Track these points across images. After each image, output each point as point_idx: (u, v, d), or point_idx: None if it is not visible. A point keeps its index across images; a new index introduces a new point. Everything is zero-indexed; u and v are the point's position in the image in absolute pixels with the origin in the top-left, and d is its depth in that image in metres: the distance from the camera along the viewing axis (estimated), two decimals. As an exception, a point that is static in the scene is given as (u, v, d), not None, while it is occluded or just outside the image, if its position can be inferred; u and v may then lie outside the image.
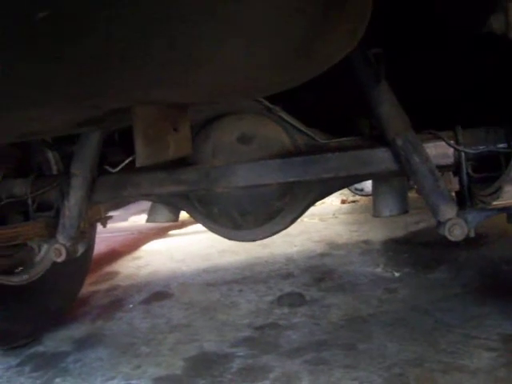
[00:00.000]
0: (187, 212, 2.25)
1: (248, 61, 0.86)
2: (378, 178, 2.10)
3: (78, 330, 2.84)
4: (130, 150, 1.57)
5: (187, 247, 4.54)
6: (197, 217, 2.22)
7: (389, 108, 1.79)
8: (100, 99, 0.87)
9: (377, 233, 4.19)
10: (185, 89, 0.94)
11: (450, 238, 1.77)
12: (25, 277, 2.62)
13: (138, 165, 1.04)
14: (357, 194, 5.38)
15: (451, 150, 1.85)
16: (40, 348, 2.68)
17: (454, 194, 1.90)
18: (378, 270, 3.25)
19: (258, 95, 1.73)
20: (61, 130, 1.36)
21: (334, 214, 5.23)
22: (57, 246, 2.14)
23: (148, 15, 0.62)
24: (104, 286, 3.63)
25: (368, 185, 4.64)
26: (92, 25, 0.58)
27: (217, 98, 1.21)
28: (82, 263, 3.00)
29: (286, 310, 2.78)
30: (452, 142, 1.84)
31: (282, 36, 0.79)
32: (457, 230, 1.76)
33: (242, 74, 0.92)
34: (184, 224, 5.13)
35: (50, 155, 2.62)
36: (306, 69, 1.04)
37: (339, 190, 2.20)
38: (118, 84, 0.83)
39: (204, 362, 2.30)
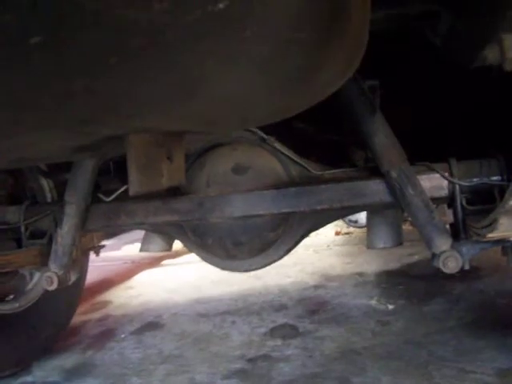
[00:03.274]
0: (181, 241, 2.24)
1: (243, 90, 0.86)
2: (372, 210, 2.09)
3: (68, 360, 2.81)
4: (124, 179, 1.57)
5: (180, 277, 4.52)
6: (190, 246, 2.21)
7: (383, 139, 1.80)
8: (94, 126, 0.87)
9: (371, 265, 4.17)
10: (180, 118, 0.94)
11: (444, 270, 1.76)
12: (16, 305, 2.59)
13: (131, 193, 1.03)
14: (351, 225, 5.39)
15: (445, 183, 1.85)
16: (29, 378, 2.64)
17: (448, 226, 1.90)
18: (372, 302, 3.23)
19: (254, 124, 1.74)
20: (55, 156, 1.36)
21: (328, 246, 5.22)
22: (49, 274, 2.12)
23: (141, 45, 0.62)
24: (95, 315, 3.59)
25: (362, 216, 4.65)
26: (85, 51, 0.58)
27: (212, 127, 1.21)
28: (74, 292, 2.97)
29: (278, 341, 2.75)
30: (446, 174, 1.84)
31: (278, 66, 0.80)
32: (451, 263, 1.75)
33: (237, 103, 0.92)
34: (177, 254, 5.11)
35: (44, 182, 2.61)
36: (303, 98, 1.04)
37: (333, 221, 2.20)
38: (114, 112, 0.82)
39: (195, 394, 2.27)
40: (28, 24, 0.50)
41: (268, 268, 2.24)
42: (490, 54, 1.17)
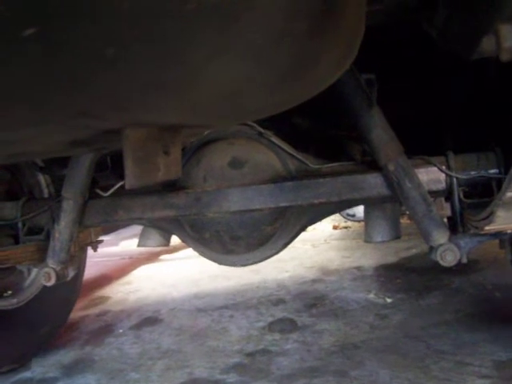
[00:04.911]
0: (178, 236, 2.24)
1: (239, 82, 0.86)
2: (369, 204, 2.09)
3: (66, 356, 2.81)
4: (121, 175, 1.56)
5: (178, 272, 4.52)
6: (188, 241, 2.21)
7: (381, 133, 1.79)
8: (91, 120, 0.87)
9: (369, 258, 4.18)
10: (176, 111, 0.93)
11: (442, 263, 1.76)
12: (14, 301, 2.59)
13: (127, 187, 1.03)
14: (348, 219, 5.38)
15: (443, 176, 1.85)
16: (27, 374, 2.64)
17: (445, 219, 1.90)
18: (370, 295, 3.23)
19: (251, 118, 1.73)
20: (51, 151, 1.35)
21: (325, 240, 5.23)
22: (46, 269, 2.12)
23: (138, 36, 0.62)
24: (94, 310, 3.60)
25: (360, 210, 4.64)
26: (80, 43, 0.57)
27: (208, 121, 1.21)
28: (72, 287, 2.97)
29: (277, 336, 2.75)
30: (444, 167, 1.84)
31: (273, 57, 0.79)
32: (449, 256, 1.75)
33: (233, 95, 0.91)
34: (175, 249, 5.11)
35: (41, 178, 2.61)
36: (299, 90, 1.04)
37: (331, 215, 2.20)
38: (110, 105, 0.82)
39: (194, 389, 2.27)
40: (21, 16, 0.49)
41: (266, 262, 2.24)
42: (487, 45, 1.16)
